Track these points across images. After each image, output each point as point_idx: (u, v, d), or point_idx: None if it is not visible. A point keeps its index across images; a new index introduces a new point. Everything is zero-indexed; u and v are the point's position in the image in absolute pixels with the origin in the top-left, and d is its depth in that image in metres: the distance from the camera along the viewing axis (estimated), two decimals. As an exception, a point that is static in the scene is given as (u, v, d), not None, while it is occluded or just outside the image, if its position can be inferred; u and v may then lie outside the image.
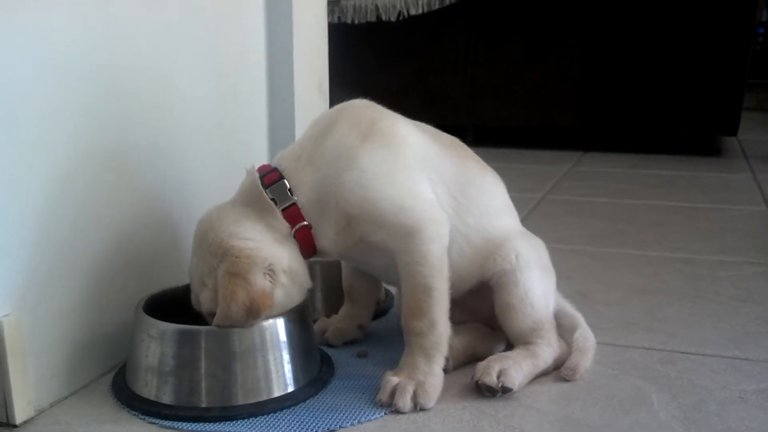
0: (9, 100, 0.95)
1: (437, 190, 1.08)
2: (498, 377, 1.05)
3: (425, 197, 1.05)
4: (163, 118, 1.24)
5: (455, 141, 1.18)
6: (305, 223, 1.04)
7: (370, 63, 3.40)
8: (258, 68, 1.53)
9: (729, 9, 3.05)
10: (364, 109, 1.09)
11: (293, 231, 1.04)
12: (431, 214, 1.04)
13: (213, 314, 1.02)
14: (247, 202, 1.05)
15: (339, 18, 3.28)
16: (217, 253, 1.02)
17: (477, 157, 1.19)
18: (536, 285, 1.14)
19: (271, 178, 1.05)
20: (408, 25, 3.27)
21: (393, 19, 3.26)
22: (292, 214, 1.04)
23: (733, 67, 3.09)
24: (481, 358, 1.11)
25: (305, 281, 1.08)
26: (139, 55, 1.17)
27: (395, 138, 1.06)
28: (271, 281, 1.01)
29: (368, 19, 3.27)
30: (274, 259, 1.02)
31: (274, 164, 1.08)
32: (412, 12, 3.24)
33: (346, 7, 3.28)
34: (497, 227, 1.16)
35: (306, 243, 1.06)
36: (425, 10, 3.24)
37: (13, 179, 0.96)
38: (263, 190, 1.04)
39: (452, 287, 1.08)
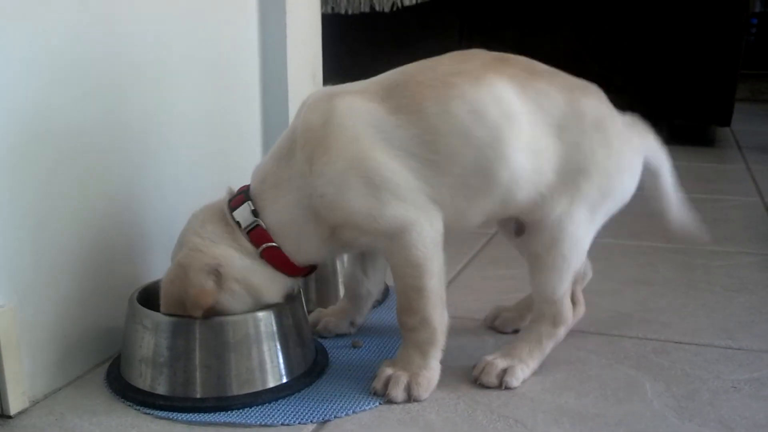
0: (1, 93, 0.95)
1: (411, 165, 1.00)
2: (500, 376, 1.07)
3: (395, 201, 0.99)
4: (156, 110, 1.24)
5: (410, 81, 1.04)
6: (272, 243, 1.04)
7: (364, 53, 3.39)
8: (251, 59, 1.52)
9: (723, 0, 3.05)
10: (315, 120, 1.02)
11: (259, 251, 1.04)
12: (406, 219, 1.00)
13: None
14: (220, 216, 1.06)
15: (332, 8, 3.26)
16: (181, 244, 1.05)
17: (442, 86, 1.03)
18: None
19: (237, 201, 1.05)
20: (402, 15, 3.26)
21: (387, 9, 3.24)
22: (258, 235, 1.04)
23: (727, 57, 3.09)
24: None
25: (269, 296, 1.06)
26: (131, 48, 1.17)
27: (345, 148, 0.99)
28: (214, 282, 1.01)
29: (362, 10, 3.26)
30: (224, 261, 1.02)
31: (251, 180, 1.08)
32: (406, 3, 3.23)
33: (339, -2, 3.27)
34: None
35: (280, 263, 1.05)
36: (419, 0, 3.23)
37: (6, 172, 0.96)
38: (227, 213, 1.05)
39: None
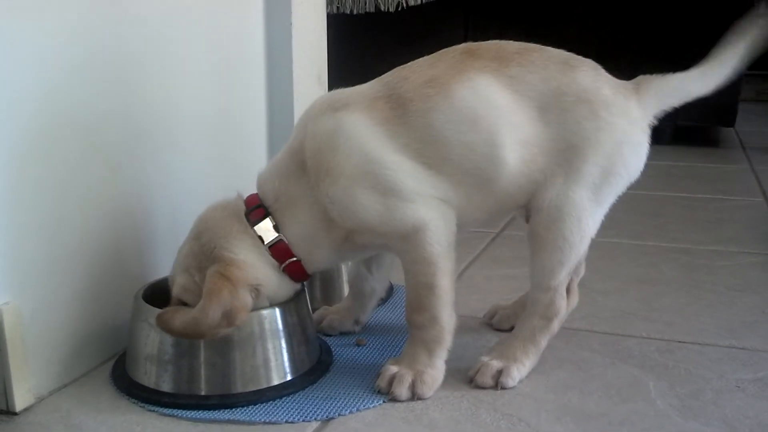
0: (8, 91, 0.95)
1: (413, 168, 1.02)
2: (495, 377, 1.07)
3: (404, 204, 1.01)
4: (162, 110, 1.24)
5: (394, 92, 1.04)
6: (294, 259, 1.05)
7: (369, 54, 3.39)
8: (257, 59, 1.53)
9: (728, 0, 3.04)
10: (321, 141, 1.03)
11: (282, 267, 1.05)
12: (419, 218, 1.01)
13: (180, 302, 1.03)
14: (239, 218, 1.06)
15: (338, 8, 3.26)
16: (210, 257, 1.02)
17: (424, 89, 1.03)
18: None
19: (256, 215, 1.05)
20: (407, 15, 3.26)
21: (392, 9, 3.24)
22: (280, 250, 1.05)
23: (732, 58, 3.08)
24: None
25: (286, 298, 1.09)
26: (137, 49, 1.17)
27: (351, 165, 1.01)
28: (253, 299, 1.02)
29: (367, 10, 3.26)
30: (264, 281, 1.04)
31: (258, 193, 1.08)
32: (411, 2, 3.23)
33: (344, -2, 3.27)
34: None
35: (297, 274, 1.07)
36: (424, 0, 3.23)
37: (11, 171, 0.97)
38: (249, 228, 1.05)
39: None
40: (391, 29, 3.35)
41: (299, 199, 1.04)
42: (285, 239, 1.04)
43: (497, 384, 1.06)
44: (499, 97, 1.02)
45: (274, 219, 1.05)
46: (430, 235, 1.02)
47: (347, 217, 1.02)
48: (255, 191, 1.09)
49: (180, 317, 0.97)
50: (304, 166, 1.04)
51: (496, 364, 1.08)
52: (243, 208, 1.06)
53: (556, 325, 1.11)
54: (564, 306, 1.11)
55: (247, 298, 1.00)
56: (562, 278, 1.08)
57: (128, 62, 1.16)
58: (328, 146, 1.02)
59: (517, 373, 1.07)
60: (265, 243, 1.04)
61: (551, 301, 1.09)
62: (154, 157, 1.23)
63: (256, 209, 1.06)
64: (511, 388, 1.06)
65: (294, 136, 1.08)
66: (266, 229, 1.05)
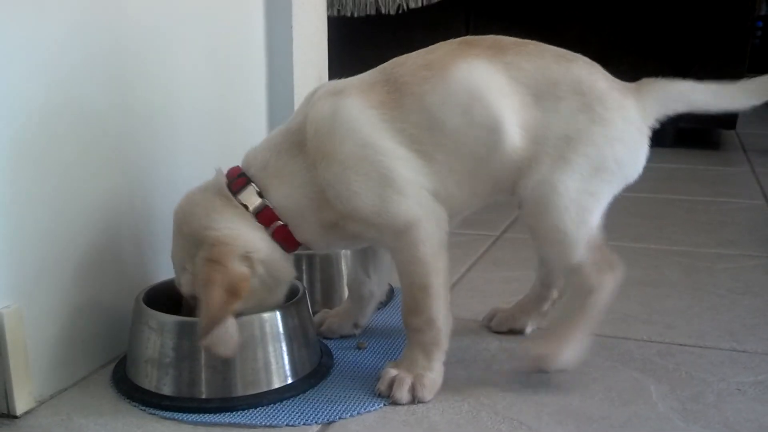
0: (6, 93, 0.95)
1: (408, 157, 1.02)
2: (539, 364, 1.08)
3: (398, 197, 1.01)
4: (162, 112, 1.24)
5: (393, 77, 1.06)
6: (280, 222, 1.04)
7: (370, 56, 3.38)
8: (257, 61, 1.53)
9: (728, 2, 3.04)
10: (322, 124, 1.03)
11: (271, 231, 1.04)
12: (412, 215, 1.01)
13: (192, 297, 1.03)
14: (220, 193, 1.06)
15: (338, 11, 3.26)
16: (195, 242, 1.02)
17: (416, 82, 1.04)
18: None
19: (238, 184, 1.05)
20: (408, 18, 3.26)
21: (392, 12, 3.24)
22: (266, 216, 1.04)
23: (732, 60, 3.09)
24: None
25: (286, 274, 1.07)
26: (137, 48, 1.17)
27: (348, 150, 1.01)
28: (248, 267, 1.00)
29: (368, 13, 3.26)
30: (250, 246, 1.02)
31: (243, 167, 1.08)
32: (412, 5, 3.23)
33: (345, 0, 3.26)
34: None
35: (286, 240, 1.06)
36: (425, 3, 3.23)
37: (11, 173, 0.97)
38: (232, 197, 1.04)
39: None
40: (392, 32, 3.35)
41: (290, 174, 1.04)
42: (270, 204, 1.04)
43: (541, 370, 1.08)
44: (495, 81, 1.03)
45: (258, 186, 1.04)
46: (423, 233, 1.02)
47: (341, 202, 1.01)
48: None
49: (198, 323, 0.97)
50: (301, 146, 1.04)
51: (542, 348, 1.08)
52: (224, 181, 1.06)
53: (598, 299, 1.05)
54: (598, 279, 1.05)
55: (241, 269, 0.99)
56: (578, 257, 1.04)
57: (128, 63, 1.16)
58: (325, 130, 1.02)
59: (570, 356, 1.06)
60: (250, 210, 1.04)
61: (582, 281, 1.05)
62: (152, 159, 1.23)
63: (238, 179, 1.06)
64: (563, 369, 1.07)
65: (293, 118, 1.09)
66: (249, 196, 1.04)
